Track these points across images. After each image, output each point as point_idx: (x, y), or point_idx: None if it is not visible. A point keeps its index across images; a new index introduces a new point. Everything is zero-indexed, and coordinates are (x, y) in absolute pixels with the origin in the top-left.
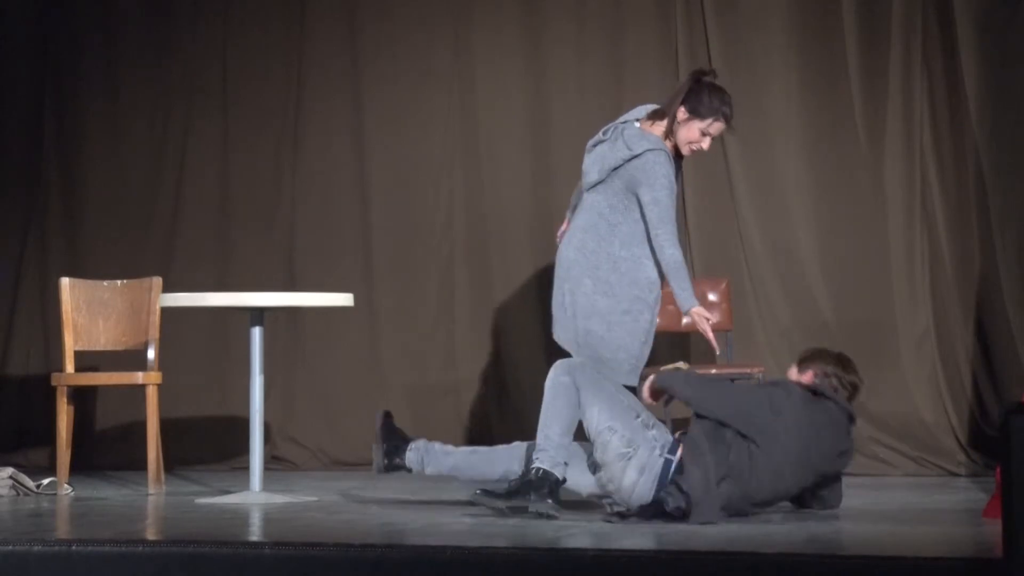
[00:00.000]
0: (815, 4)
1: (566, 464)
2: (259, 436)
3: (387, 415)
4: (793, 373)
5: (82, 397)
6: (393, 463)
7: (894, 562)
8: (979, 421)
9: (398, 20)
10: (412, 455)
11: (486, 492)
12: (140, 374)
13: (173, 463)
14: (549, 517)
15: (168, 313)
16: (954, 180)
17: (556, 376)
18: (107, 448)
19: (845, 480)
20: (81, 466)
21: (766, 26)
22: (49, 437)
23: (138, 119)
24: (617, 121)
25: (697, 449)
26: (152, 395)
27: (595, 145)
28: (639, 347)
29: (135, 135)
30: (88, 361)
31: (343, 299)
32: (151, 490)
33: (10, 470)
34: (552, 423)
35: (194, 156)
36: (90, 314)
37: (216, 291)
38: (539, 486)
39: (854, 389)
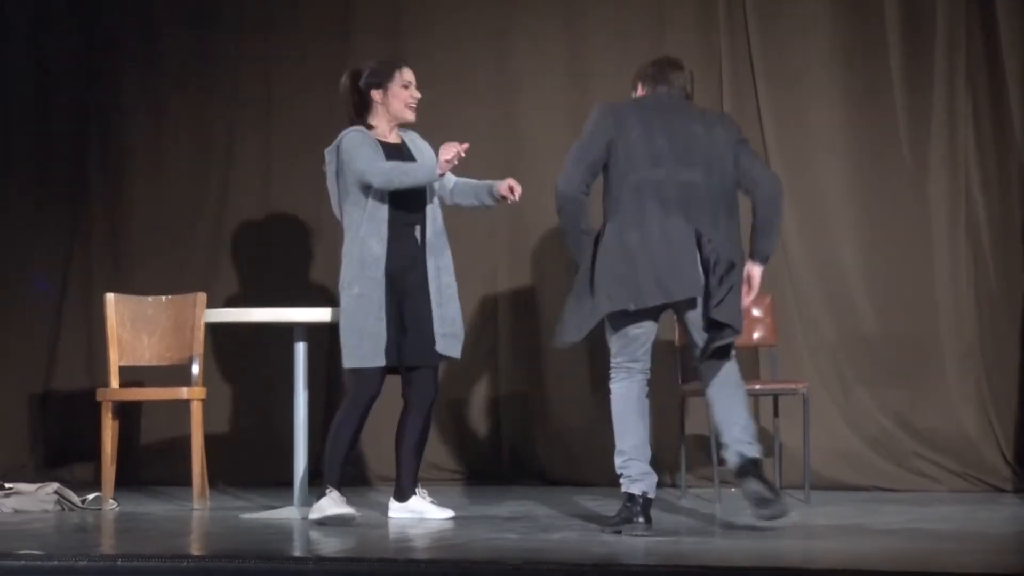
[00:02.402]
0: (858, 18)
1: (647, 473)
2: (303, 451)
3: None
4: None
5: (127, 412)
6: None
7: None
8: None
9: (440, 34)
10: None
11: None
12: (184, 389)
13: (217, 478)
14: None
15: (212, 328)
16: (998, 194)
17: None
18: (152, 463)
19: (889, 495)
20: (126, 481)
21: (809, 40)
22: (94, 452)
23: (182, 136)
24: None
25: None
26: (196, 410)
27: None
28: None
29: (179, 152)
30: (133, 376)
31: None
32: (195, 505)
33: (55, 485)
34: (623, 437)
35: (238, 172)
36: (134, 330)
37: (260, 306)
38: (626, 509)
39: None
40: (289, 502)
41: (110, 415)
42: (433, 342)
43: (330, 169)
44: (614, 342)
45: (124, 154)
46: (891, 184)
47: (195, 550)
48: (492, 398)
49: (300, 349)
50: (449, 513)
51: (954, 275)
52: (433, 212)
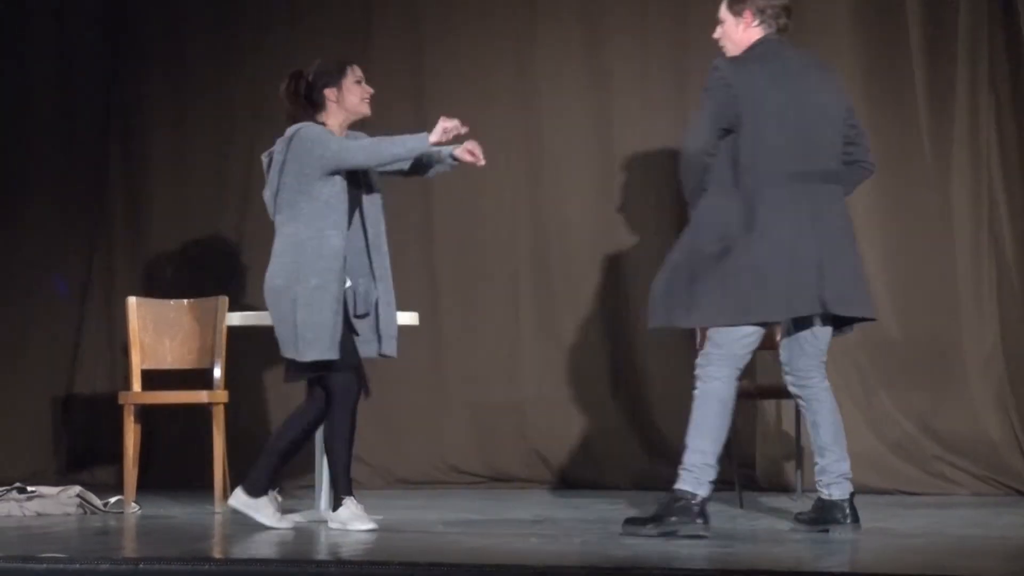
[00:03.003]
0: (880, 23)
1: (711, 483)
2: (325, 455)
3: None
4: None
5: (149, 416)
6: None
7: None
8: None
9: (462, 38)
10: None
11: (631, 521)
12: (206, 393)
13: (239, 481)
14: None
15: (233, 332)
16: (1021, 199)
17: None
18: (173, 466)
19: (911, 499)
20: (148, 484)
21: (831, 46)
22: (116, 456)
23: (203, 141)
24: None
25: None
26: (218, 414)
27: None
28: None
29: (200, 156)
30: (154, 380)
31: (408, 318)
32: (217, 508)
33: (77, 488)
34: (700, 438)
35: (258, 177)
36: (156, 333)
37: None
38: (685, 509)
39: None
40: (310, 505)
41: (132, 418)
42: (377, 342)
43: (276, 159)
44: (728, 337)
45: (146, 158)
46: (913, 188)
47: (216, 553)
48: (514, 401)
49: None
50: (371, 525)
51: (976, 279)
52: (377, 213)
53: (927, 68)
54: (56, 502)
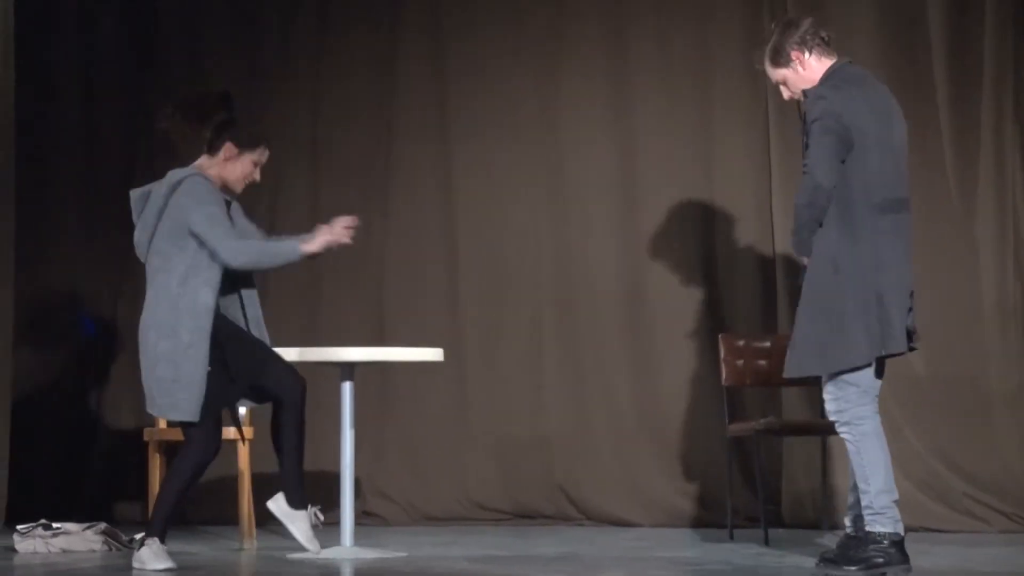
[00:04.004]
0: (904, 58)
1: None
2: (350, 491)
3: None
4: None
5: (174, 452)
6: None
7: None
8: None
9: (487, 71)
10: None
11: (826, 560)
12: (232, 429)
13: (264, 517)
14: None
15: None
16: None
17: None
18: (199, 502)
19: (938, 536)
20: (173, 521)
21: None
22: (141, 492)
23: None
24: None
25: None
26: (244, 450)
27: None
28: None
29: None
30: None
31: (433, 354)
32: (243, 545)
33: (103, 525)
34: (876, 479)
35: (284, 208)
36: None
37: (305, 345)
38: (886, 551)
39: None
40: (336, 542)
41: (157, 454)
42: (263, 347)
43: (154, 201)
44: (863, 374)
45: None
46: (939, 226)
47: None
48: (538, 437)
49: (347, 388)
50: (316, 547)
51: (1002, 314)
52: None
53: (951, 102)
54: (81, 539)
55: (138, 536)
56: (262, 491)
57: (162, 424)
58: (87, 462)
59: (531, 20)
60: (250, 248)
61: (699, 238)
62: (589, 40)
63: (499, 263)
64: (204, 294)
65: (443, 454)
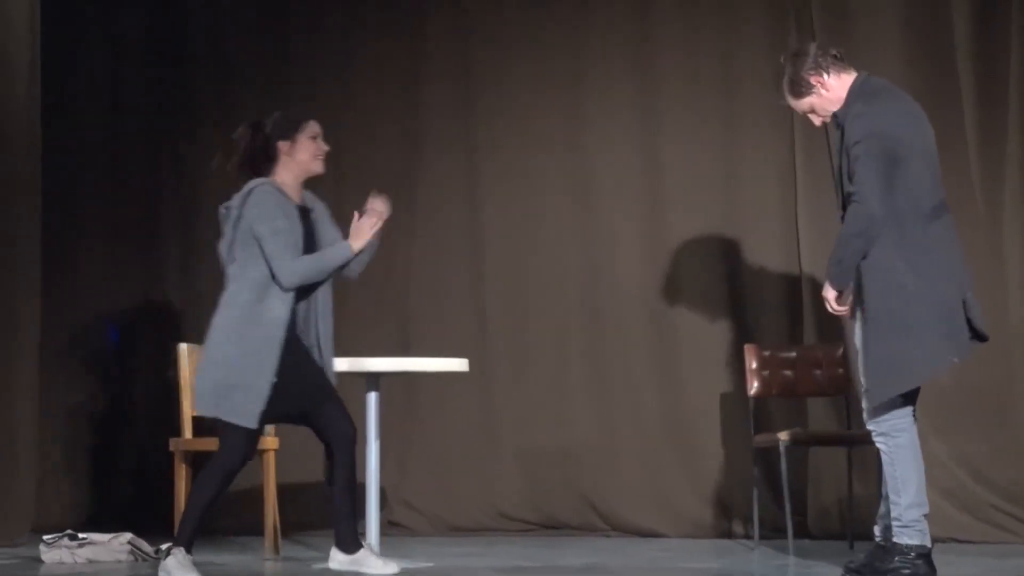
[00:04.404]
0: (930, 66)
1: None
2: (375, 502)
3: None
4: None
5: (199, 462)
6: None
7: None
8: None
9: (512, 83)
10: None
11: (851, 571)
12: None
13: (290, 528)
14: None
15: None
16: None
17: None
18: (224, 513)
19: (965, 547)
20: (200, 531)
21: None
22: (167, 502)
23: None
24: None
25: None
26: (269, 460)
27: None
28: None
29: None
30: (205, 426)
31: (458, 364)
32: (268, 555)
33: (128, 535)
34: (908, 492)
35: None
36: None
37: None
38: (913, 562)
39: None
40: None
41: (183, 465)
42: (326, 382)
43: (232, 213)
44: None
45: (196, 201)
46: (964, 233)
47: None
48: (564, 448)
49: (372, 399)
50: (394, 568)
51: None
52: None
53: (977, 110)
54: (107, 549)
55: (164, 546)
56: (288, 501)
57: (188, 434)
58: (113, 474)
59: (557, 32)
60: (302, 266)
61: (725, 249)
62: (614, 52)
63: (524, 274)
64: (278, 307)
65: (469, 464)
